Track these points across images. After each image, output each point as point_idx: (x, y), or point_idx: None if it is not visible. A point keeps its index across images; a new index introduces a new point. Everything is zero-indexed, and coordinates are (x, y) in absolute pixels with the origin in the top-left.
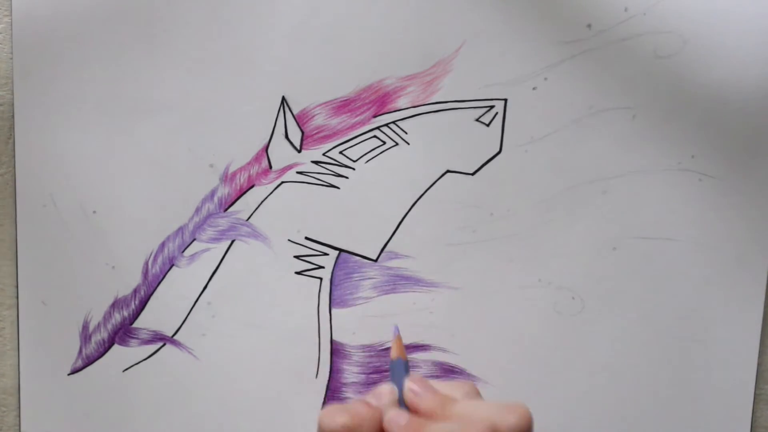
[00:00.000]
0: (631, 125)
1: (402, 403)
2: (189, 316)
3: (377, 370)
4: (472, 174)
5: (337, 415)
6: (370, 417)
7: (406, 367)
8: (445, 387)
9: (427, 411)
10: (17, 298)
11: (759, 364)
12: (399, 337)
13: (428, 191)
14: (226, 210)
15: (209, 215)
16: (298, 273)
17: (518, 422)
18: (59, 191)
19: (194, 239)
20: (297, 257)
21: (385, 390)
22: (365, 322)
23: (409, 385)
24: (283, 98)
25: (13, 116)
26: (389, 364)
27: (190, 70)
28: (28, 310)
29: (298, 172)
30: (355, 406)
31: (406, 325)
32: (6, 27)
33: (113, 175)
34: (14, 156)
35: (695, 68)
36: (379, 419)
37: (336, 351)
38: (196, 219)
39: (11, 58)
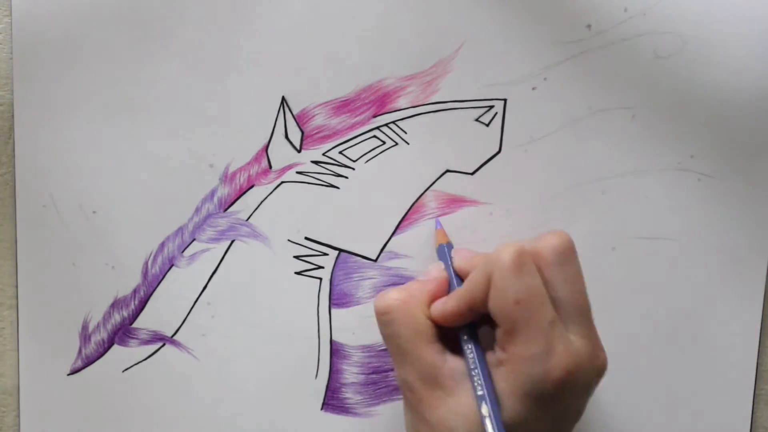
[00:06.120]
0: (630, 125)
1: (452, 282)
2: (188, 317)
3: (377, 371)
4: (472, 174)
5: (391, 292)
6: (419, 289)
7: (450, 249)
8: None
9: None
10: (17, 298)
11: (759, 365)
12: (441, 229)
13: (428, 191)
14: (225, 210)
15: (209, 215)
16: (297, 273)
17: (560, 242)
18: (59, 191)
19: (194, 239)
20: (297, 257)
21: (433, 267)
22: (365, 323)
23: (456, 251)
24: (283, 98)
25: (13, 116)
26: (436, 251)
27: (189, 69)
28: (27, 311)
29: (297, 172)
30: (406, 284)
31: None
32: (6, 27)
33: (113, 175)
34: (14, 156)
35: (695, 69)
36: (429, 293)
37: (335, 351)
38: (196, 219)
39: (11, 59)
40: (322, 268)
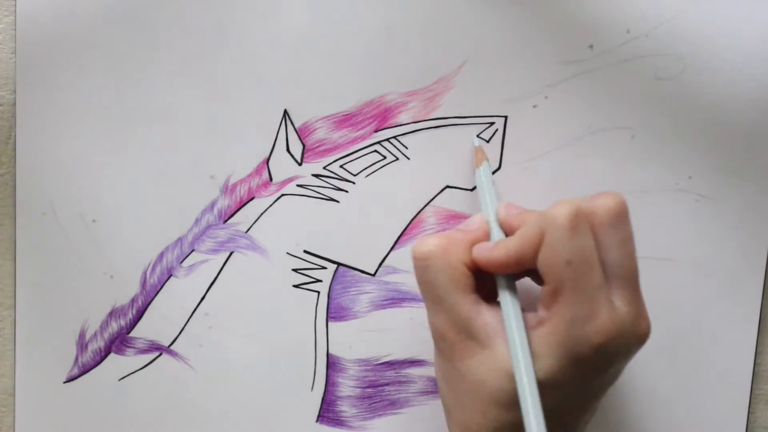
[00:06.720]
0: (629, 145)
1: (493, 232)
2: (186, 327)
3: (372, 384)
4: (472, 190)
5: (430, 238)
6: (460, 240)
7: (488, 171)
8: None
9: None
10: (15, 299)
11: (757, 364)
12: (479, 147)
13: (427, 206)
14: (225, 222)
15: (208, 226)
16: (295, 286)
17: (616, 204)
18: (59, 199)
19: (193, 250)
20: (295, 270)
21: (476, 219)
22: (362, 336)
23: (502, 206)
24: (285, 111)
25: (13, 116)
26: (476, 175)
27: (192, 81)
28: (25, 318)
29: (298, 185)
30: (446, 232)
31: (402, 340)
32: (6, 27)
33: (113, 184)
34: (15, 158)
35: (695, 91)
36: (469, 243)
37: (332, 364)
38: (196, 230)
39: (12, 59)
40: (320, 281)
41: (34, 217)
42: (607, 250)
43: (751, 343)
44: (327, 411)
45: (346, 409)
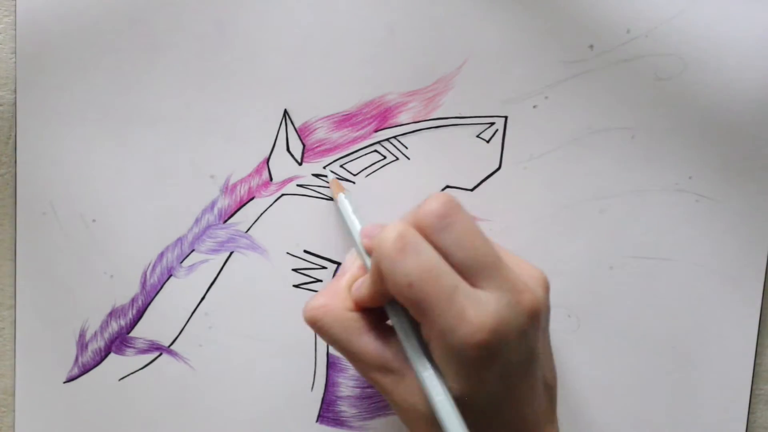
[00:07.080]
0: (630, 145)
1: (366, 263)
2: (186, 327)
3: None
4: (471, 190)
5: (311, 302)
6: (339, 286)
7: (348, 200)
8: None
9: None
10: (15, 299)
11: (757, 365)
12: (335, 179)
13: None
14: (225, 221)
15: (209, 226)
16: (295, 286)
17: (438, 206)
18: (59, 199)
19: (193, 250)
20: (295, 270)
21: (348, 257)
22: None
23: (362, 232)
24: (285, 111)
25: (13, 116)
26: (337, 207)
27: (192, 81)
28: (25, 318)
29: (298, 185)
30: (327, 285)
31: None
32: (6, 27)
33: (114, 184)
34: (15, 158)
35: (695, 91)
36: (348, 287)
37: (332, 364)
38: (196, 230)
39: (12, 59)
40: (321, 281)
41: (34, 217)
42: (450, 253)
43: (751, 343)
44: (327, 411)
45: (346, 409)
